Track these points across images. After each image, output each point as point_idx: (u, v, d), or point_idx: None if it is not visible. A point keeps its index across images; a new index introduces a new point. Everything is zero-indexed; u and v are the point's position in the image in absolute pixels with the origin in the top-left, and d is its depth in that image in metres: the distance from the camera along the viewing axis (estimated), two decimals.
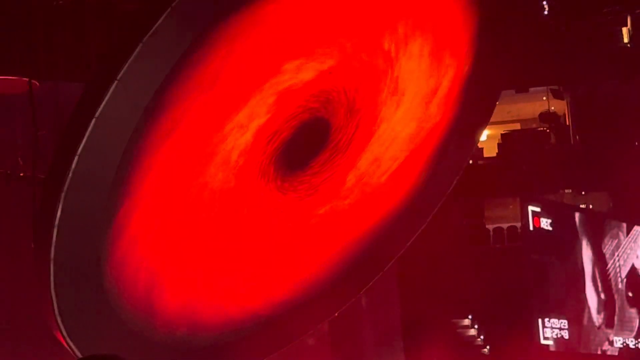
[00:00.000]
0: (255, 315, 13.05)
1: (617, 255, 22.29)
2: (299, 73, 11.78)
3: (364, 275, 14.19)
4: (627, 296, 22.26)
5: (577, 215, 22.23)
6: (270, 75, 11.54)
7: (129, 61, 9.76)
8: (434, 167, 14.05)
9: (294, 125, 12.27)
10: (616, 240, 22.37)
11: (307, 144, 12.70)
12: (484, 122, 14.85)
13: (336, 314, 14.21)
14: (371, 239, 13.96)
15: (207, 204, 11.86)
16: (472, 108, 13.99)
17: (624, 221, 22.82)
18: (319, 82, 12.14)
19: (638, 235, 22.68)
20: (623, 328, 22.09)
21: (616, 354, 21.72)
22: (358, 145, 13.01)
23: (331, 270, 13.71)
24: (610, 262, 22.15)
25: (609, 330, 21.84)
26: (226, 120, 11.39)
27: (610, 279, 22.04)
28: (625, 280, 22.32)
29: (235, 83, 11.14)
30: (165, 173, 11.05)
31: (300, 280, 13.52)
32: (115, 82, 9.74)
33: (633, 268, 22.45)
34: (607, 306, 21.86)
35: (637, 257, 22.50)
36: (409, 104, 13.20)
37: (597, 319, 21.70)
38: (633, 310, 22.27)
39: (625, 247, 22.45)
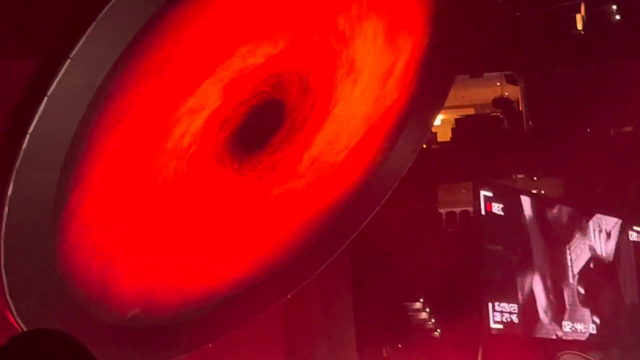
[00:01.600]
0: (211, 294, 13.06)
1: (569, 242, 22.46)
2: (249, 58, 11.75)
3: (319, 255, 14.23)
4: (577, 280, 22.45)
5: (528, 200, 22.36)
6: (219, 61, 11.51)
7: (82, 40, 9.68)
8: (390, 148, 14.09)
9: (245, 112, 12.25)
10: (570, 228, 22.52)
11: (263, 124, 12.68)
12: (440, 103, 14.92)
13: (290, 295, 14.23)
14: (326, 220, 13.99)
15: (161, 188, 11.81)
16: (428, 88, 14.05)
17: (575, 207, 23.00)
18: (269, 66, 12.11)
19: (593, 223, 22.85)
20: (572, 313, 22.27)
21: (567, 338, 21.90)
22: (315, 123, 13.02)
23: (287, 249, 13.74)
24: (560, 248, 22.30)
25: (558, 315, 22.01)
26: (177, 106, 11.36)
27: (560, 264, 22.20)
28: (576, 265, 22.51)
29: (185, 69, 11.11)
30: (117, 158, 10.98)
31: (256, 259, 13.53)
32: (68, 60, 9.66)
33: (584, 254, 22.63)
34: (556, 290, 22.02)
35: (590, 246, 22.70)
36: (366, 83, 13.22)
37: (546, 303, 21.85)
38: (583, 296, 22.46)
39: (579, 235, 22.63)
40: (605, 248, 23.11)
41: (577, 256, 22.60)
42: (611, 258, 23.15)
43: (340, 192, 13.94)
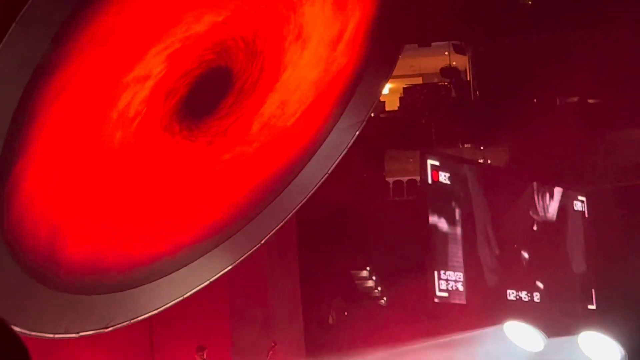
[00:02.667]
0: (161, 259, 13.06)
1: (513, 211, 22.64)
2: (193, 26, 11.69)
3: (269, 221, 14.26)
4: (522, 246, 22.64)
5: (475, 169, 22.50)
6: (164, 30, 11.46)
7: (27, 5, 9.63)
8: (339, 115, 14.13)
9: (190, 82, 12.21)
10: (513, 196, 22.71)
11: (210, 91, 12.64)
12: (388, 71, 14.95)
13: (238, 262, 14.25)
14: (276, 185, 14.02)
15: (107, 156, 11.77)
16: (377, 54, 14.09)
17: (521, 177, 23.18)
18: (214, 33, 12.06)
19: (535, 192, 23.05)
20: (517, 279, 22.49)
21: (511, 306, 22.12)
22: (264, 88, 13.01)
23: (237, 214, 13.77)
24: (505, 216, 22.48)
25: (503, 282, 22.21)
26: (122, 75, 11.32)
27: (505, 231, 22.38)
28: (520, 231, 22.70)
29: (130, 37, 11.07)
30: (62, 127, 10.94)
31: (206, 224, 13.55)
32: (14, 24, 9.59)
33: (528, 224, 22.82)
34: (501, 258, 22.21)
35: (535, 211, 22.89)
36: (315, 49, 13.24)
37: (491, 271, 22.05)
38: (527, 261, 22.68)
39: (521, 203, 22.82)
40: (549, 214, 23.32)
41: (521, 222, 22.79)
42: (555, 225, 23.36)
43: (290, 158, 13.97)
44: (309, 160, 14.17)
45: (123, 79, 11.36)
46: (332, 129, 14.16)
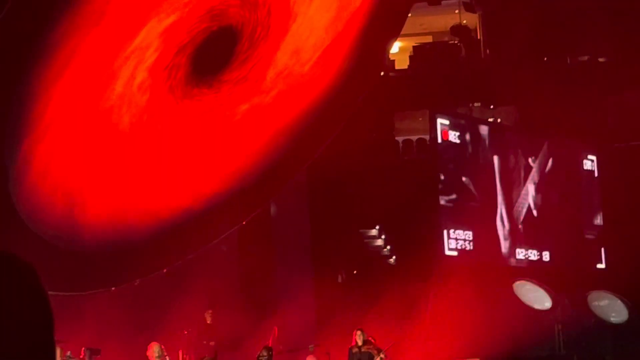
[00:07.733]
0: (185, 211, 13.18)
1: (525, 170, 22.60)
2: None
3: (285, 170, 14.32)
4: (531, 206, 22.63)
5: (484, 128, 22.45)
6: (155, 6, 11.53)
7: None
8: (355, 58, 14.01)
9: (190, 54, 12.27)
10: (523, 155, 22.67)
11: (218, 49, 12.68)
12: (399, 20, 14.84)
13: (249, 218, 14.30)
14: (294, 133, 14.01)
15: (118, 125, 11.90)
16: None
17: (530, 136, 23.13)
18: (203, 3, 12.13)
19: (544, 150, 23.00)
20: (527, 240, 22.49)
21: (520, 265, 22.14)
22: (276, 33, 13.00)
23: (256, 163, 13.81)
24: (514, 175, 22.46)
25: (512, 242, 22.22)
26: (118, 53, 11.43)
27: (514, 191, 22.36)
28: (530, 191, 22.68)
29: (121, 17, 11.16)
30: (67, 103, 11.09)
31: (227, 173, 13.63)
32: (9, 4, 9.72)
33: (538, 183, 22.79)
34: (511, 217, 22.20)
35: (543, 172, 22.86)
36: None
37: (501, 230, 22.05)
38: (537, 222, 22.66)
39: (531, 161, 22.79)
40: (559, 173, 23.29)
41: (531, 182, 22.77)
42: (565, 184, 23.32)
43: (306, 105, 13.95)
44: (324, 111, 14.14)
45: (123, 53, 11.49)
46: (345, 79, 14.07)
